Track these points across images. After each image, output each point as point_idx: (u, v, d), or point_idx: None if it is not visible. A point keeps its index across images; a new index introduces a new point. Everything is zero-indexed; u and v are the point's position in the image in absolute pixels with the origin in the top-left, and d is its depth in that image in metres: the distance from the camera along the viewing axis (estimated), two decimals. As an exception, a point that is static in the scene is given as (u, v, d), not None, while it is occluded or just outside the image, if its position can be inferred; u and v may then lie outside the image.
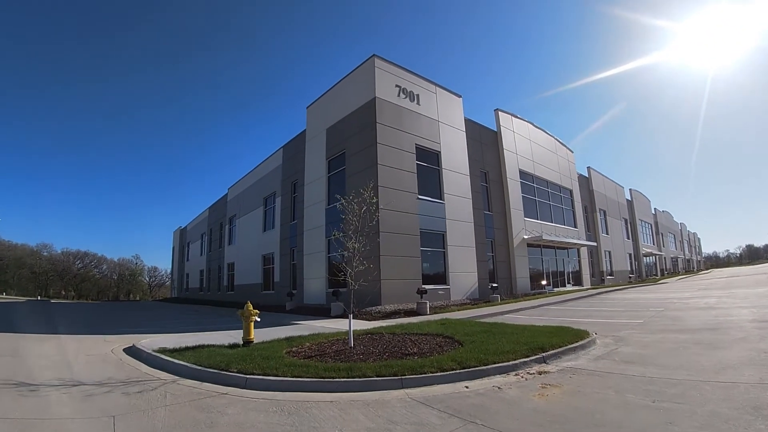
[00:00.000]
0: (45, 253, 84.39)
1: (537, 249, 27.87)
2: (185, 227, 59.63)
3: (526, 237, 26.20)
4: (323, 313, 17.57)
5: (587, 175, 40.87)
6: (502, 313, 15.18)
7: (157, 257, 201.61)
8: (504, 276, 24.48)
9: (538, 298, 21.00)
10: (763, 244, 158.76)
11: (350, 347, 8.28)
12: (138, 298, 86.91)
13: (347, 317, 10.86)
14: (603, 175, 44.33)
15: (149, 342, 9.85)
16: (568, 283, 31.27)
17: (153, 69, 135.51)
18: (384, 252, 17.38)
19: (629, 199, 52.82)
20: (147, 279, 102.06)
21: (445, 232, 20.49)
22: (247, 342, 9.19)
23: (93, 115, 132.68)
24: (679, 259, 78.45)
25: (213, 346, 9.08)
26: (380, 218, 17.56)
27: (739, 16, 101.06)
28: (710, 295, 18.97)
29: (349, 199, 9.13)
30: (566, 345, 7.79)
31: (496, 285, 20.54)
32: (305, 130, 24.96)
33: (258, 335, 9.79)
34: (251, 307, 9.47)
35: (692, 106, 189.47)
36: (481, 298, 20.92)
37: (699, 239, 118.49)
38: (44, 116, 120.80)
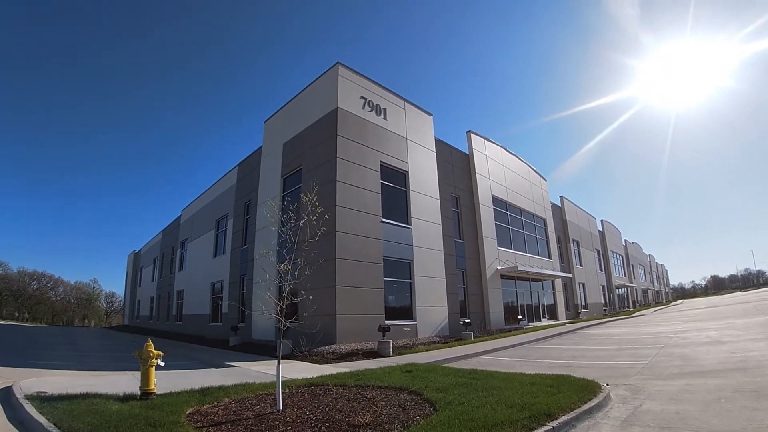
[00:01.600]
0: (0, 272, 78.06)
1: (511, 281, 25.90)
2: (139, 251, 55.62)
3: (499, 267, 24.24)
4: (270, 351, 14.87)
5: (560, 204, 39.82)
6: (478, 354, 12.95)
7: (117, 282, 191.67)
8: (476, 310, 22.30)
9: (514, 335, 18.84)
10: (728, 274, 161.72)
11: (278, 411, 5.92)
12: (92, 324, 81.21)
13: (297, 358, 8.68)
14: (575, 204, 43.42)
15: (33, 383, 7.80)
16: (543, 317, 29.36)
17: (117, 94, 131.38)
18: (340, 281, 14.98)
19: (600, 230, 52.25)
20: (104, 304, 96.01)
21: (412, 260, 18.27)
22: (144, 394, 6.78)
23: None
24: (649, 291, 78.34)
25: (100, 396, 6.78)
26: (337, 242, 15.29)
27: (700, 55, 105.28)
28: (704, 327, 17.43)
29: (281, 205, 6.89)
30: (578, 406, 5.66)
31: (468, 320, 18.27)
32: (261, 146, 22.67)
33: (172, 381, 8.01)
34: (152, 347, 7.05)
35: (658, 144, 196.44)
36: (452, 335, 18.62)
37: (666, 270, 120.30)
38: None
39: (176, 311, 33.92)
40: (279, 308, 6.57)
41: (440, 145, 22.55)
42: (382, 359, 12.22)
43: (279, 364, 6.42)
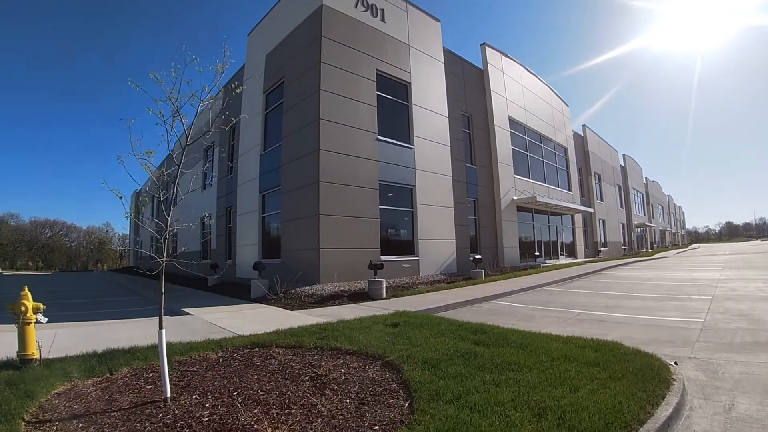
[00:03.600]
0: (12, 223, 77.97)
1: (528, 214, 23.26)
2: (140, 189, 53.84)
3: (516, 198, 21.48)
4: (246, 293, 12.64)
5: (582, 134, 36.15)
6: (488, 299, 10.60)
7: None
8: (489, 245, 19.86)
9: (531, 274, 16.45)
10: (742, 222, 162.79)
11: (164, 399, 3.71)
12: (105, 268, 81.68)
13: (270, 301, 6.74)
14: (598, 135, 39.69)
15: None
16: (561, 254, 26.97)
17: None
18: (325, 209, 12.51)
19: (623, 165, 48.58)
20: (117, 247, 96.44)
21: (415, 186, 15.61)
22: (23, 360, 4.76)
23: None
24: (666, 232, 75.39)
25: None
26: (321, 163, 12.70)
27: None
28: (747, 276, 14.45)
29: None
30: (648, 412, 3.22)
31: (479, 257, 15.78)
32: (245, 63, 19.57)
33: (86, 336, 6.46)
34: (29, 298, 4.87)
35: (683, 89, 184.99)
36: (460, 272, 16.31)
37: (684, 213, 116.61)
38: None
39: (171, 249, 32.24)
40: (163, 237, 4.14)
41: (450, 56, 19.18)
42: (370, 303, 9.95)
43: (161, 328, 3.95)
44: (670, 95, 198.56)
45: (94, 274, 49.05)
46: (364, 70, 14.64)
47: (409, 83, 16.28)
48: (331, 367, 4.50)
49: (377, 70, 15.08)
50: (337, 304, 9.99)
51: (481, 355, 4.70)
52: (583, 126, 36.62)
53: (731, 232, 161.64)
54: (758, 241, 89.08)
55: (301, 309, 9.47)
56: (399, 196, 15.21)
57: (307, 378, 4.21)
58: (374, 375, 4.25)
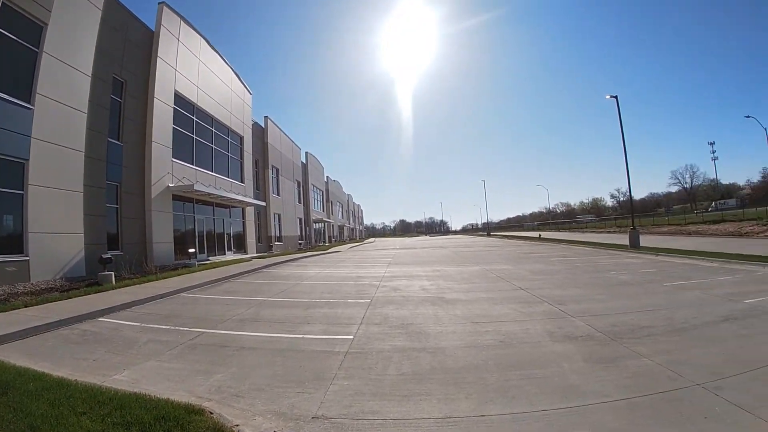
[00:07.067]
0: None
1: (189, 204, 23.48)
2: None
3: (172, 185, 21.14)
4: None
5: (263, 125, 38.80)
6: (97, 314, 9.20)
7: None
8: (135, 240, 18.94)
9: (182, 274, 16.47)
10: (414, 220, 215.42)
11: None
12: None
13: None
14: (281, 129, 43.42)
15: None
16: (230, 250, 28.38)
17: None
18: None
19: (304, 162, 54.53)
20: None
21: (28, 160, 13.45)
22: None
23: None
24: (345, 228, 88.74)
25: None
26: None
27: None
28: (414, 273, 16.80)
29: None
30: None
31: (108, 256, 14.61)
32: None
33: None
34: None
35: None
36: (91, 275, 14.94)
37: (362, 211, 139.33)
38: None
39: None
40: None
41: (113, 5, 17.66)
42: None
43: None
44: (346, 100, 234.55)
45: None
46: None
47: (46, 24, 13.99)
48: None
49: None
50: None
51: None
52: (266, 117, 39.59)
53: (404, 229, 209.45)
54: (427, 237, 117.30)
55: None
56: (2, 173, 12.81)
57: None
58: None
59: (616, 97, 25.37)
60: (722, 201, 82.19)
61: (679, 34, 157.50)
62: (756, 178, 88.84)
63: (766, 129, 30.82)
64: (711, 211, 69.96)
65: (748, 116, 37.15)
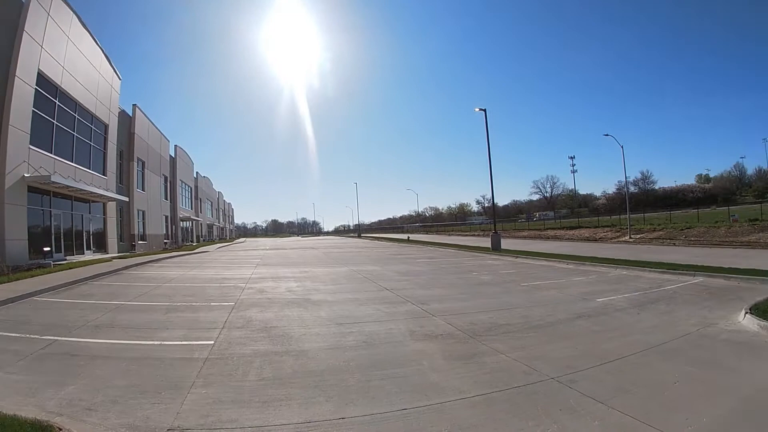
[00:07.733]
0: None
1: (46, 197, 21.34)
2: None
3: (27, 176, 19.08)
4: None
5: (131, 114, 36.40)
6: None
7: None
8: (-19, 236, 16.98)
9: (36, 275, 15.04)
10: (287, 220, 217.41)
11: None
12: None
13: None
14: (150, 120, 41.07)
15: None
16: (89, 248, 26.30)
17: None
18: None
19: (173, 155, 51.94)
20: None
21: None
22: None
23: None
24: (214, 227, 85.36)
25: None
26: None
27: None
28: (281, 275, 16.97)
29: None
30: None
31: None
32: None
33: None
34: None
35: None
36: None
37: (233, 210, 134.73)
38: None
39: None
40: None
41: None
42: None
43: None
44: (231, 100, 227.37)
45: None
46: None
47: None
48: None
49: None
50: None
51: None
52: (134, 105, 37.10)
53: (276, 229, 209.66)
54: (299, 237, 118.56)
55: None
56: None
57: None
58: None
59: (484, 110, 28.38)
60: (544, 213, 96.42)
61: (550, 58, 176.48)
62: (611, 190, 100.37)
63: (622, 147, 36.11)
64: (535, 220, 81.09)
65: (607, 134, 42.85)
